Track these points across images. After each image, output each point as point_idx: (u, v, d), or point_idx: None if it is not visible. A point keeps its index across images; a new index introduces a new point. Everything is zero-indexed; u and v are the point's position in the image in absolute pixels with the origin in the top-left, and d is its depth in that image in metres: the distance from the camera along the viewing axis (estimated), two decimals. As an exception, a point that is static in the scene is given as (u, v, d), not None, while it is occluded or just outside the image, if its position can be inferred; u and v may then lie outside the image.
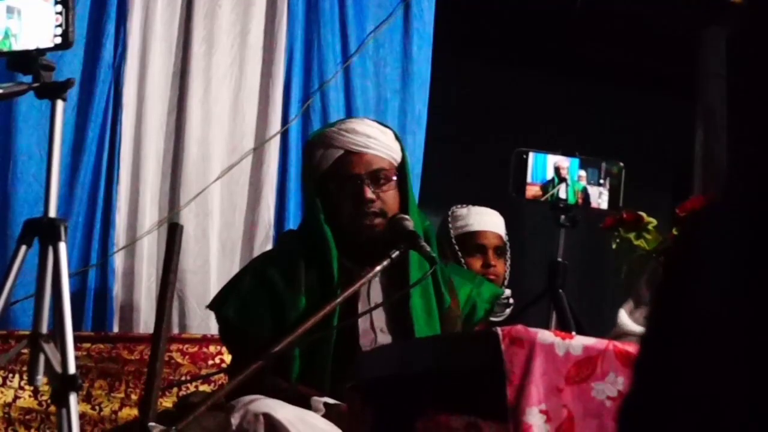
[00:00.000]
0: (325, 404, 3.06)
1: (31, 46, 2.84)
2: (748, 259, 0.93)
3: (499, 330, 2.30)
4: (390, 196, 3.28)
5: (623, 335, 3.25)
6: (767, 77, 0.94)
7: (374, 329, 3.24)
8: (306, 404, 3.05)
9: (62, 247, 2.76)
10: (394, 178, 3.30)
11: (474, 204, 4.46)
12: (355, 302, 3.23)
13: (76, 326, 3.44)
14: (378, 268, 3.10)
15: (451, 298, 3.33)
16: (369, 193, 3.24)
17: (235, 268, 4.19)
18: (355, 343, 3.20)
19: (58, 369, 2.69)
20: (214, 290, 3.93)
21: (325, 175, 3.29)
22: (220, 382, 3.83)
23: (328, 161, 3.30)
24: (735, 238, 0.95)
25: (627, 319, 3.38)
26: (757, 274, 0.92)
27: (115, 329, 4.30)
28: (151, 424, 2.63)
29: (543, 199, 3.46)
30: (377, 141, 3.32)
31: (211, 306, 3.38)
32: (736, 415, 0.92)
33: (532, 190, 3.45)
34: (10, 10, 2.86)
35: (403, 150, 3.37)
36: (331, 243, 3.23)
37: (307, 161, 3.39)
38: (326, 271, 3.23)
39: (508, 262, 4.39)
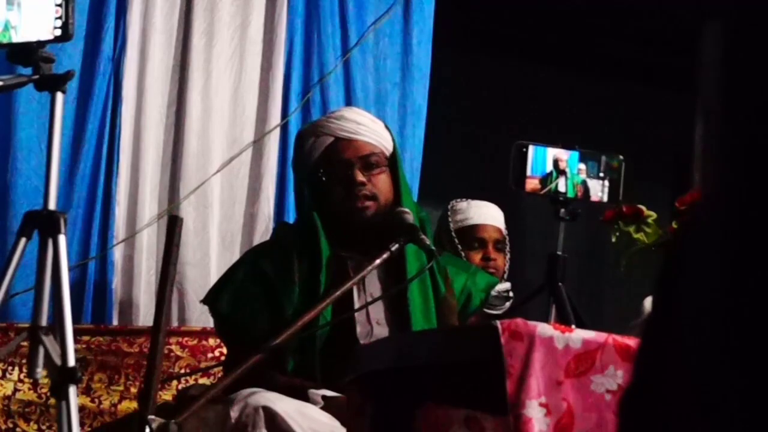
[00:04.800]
0: (324, 397, 3.06)
1: (31, 38, 2.84)
2: (737, 252, 0.93)
3: (498, 323, 2.30)
4: (381, 180, 3.30)
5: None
6: (759, 70, 0.94)
7: (371, 321, 3.25)
8: (304, 397, 3.06)
9: (62, 239, 2.76)
10: (386, 164, 3.33)
11: (473, 197, 4.46)
12: (350, 294, 3.23)
13: (76, 319, 3.43)
14: (377, 261, 3.10)
15: (446, 287, 3.34)
16: (360, 176, 3.27)
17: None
18: (351, 336, 3.20)
19: (58, 361, 2.69)
20: (213, 283, 3.93)
21: (316, 163, 3.32)
22: (219, 375, 3.83)
23: (318, 149, 3.32)
24: (724, 230, 0.95)
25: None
26: (745, 267, 0.92)
27: (115, 322, 4.30)
28: (151, 416, 2.63)
29: (542, 192, 3.46)
30: (367, 128, 3.35)
31: (205, 300, 3.39)
32: (732, 409, 0.92)
33: (532, 183, 3.45)
34: (10, 1, 2.86)
35: (393, 140, 3.40)
36: (321, 231, 3.25)
37: (297, 152, 3.41)
38: (316, 261, 3.25)
39: (508, 256, 4.39)
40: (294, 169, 3.48)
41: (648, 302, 3.49)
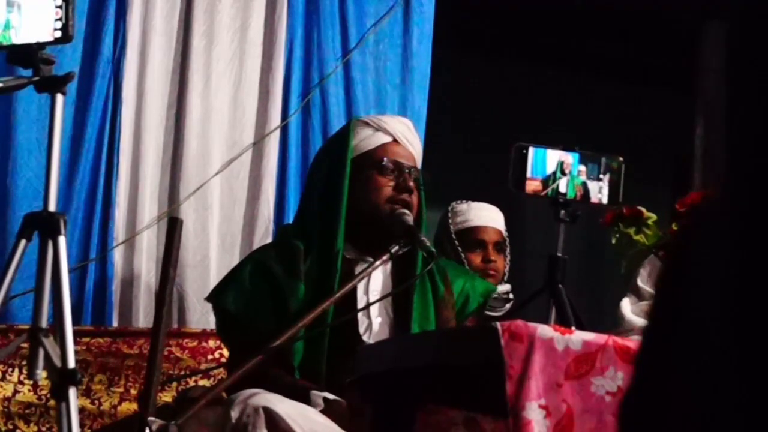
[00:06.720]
0: (325, 399, 3.06)
1: (31, 40, 2.84)
2: (741, 257, 0.93)
3: (498, 325, 2.30)
4: (416, 196, 3.33)
5: (629, 331, 3.26)
6: (764, 73, 0.94)
7: (370, 317, 3.26)
8: (306, 398, 3.06)
9: (62, 241, 2.76)
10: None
11: (474, 199, 4.46)
12: (353, 293, 3.24)
13: (76, 320, 3.43)
14: (378, 263, 3.12)
15: (445, 287, 3.35)
16: (410, 182, 3.29)
17: (235, 263, 4.18)
18: (354, 334, 3.21)
19: (58, 363, 2.69)
20: (213, 285, 3.92)
21: (366, 156, 3.32)
22: (219, 377, 3.83)
23: (373, 143, 3.34)
24: (728, 234, 0.95)
25: (630, 314, 3.38)
26: (749, 271, 0.92)
27: (115, 324, 4.30)
28: (151, 418, 2.63)
29: (543, 194, 3.46)
30: (418, 143, 3.43)
31: (210, 297, 3.38)
32: (732, 412, 0.92)
33: (532, 185, 3.45)
34: (10, 3, 2.86)
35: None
36: (341, 226, 3.25)
37: (343, 140, 3.39)
38: (327, 258, 3.24)
39: (508, 258, 4.39)
40: (327, 158, 3.42)
41: (625, 305, 3.48)
